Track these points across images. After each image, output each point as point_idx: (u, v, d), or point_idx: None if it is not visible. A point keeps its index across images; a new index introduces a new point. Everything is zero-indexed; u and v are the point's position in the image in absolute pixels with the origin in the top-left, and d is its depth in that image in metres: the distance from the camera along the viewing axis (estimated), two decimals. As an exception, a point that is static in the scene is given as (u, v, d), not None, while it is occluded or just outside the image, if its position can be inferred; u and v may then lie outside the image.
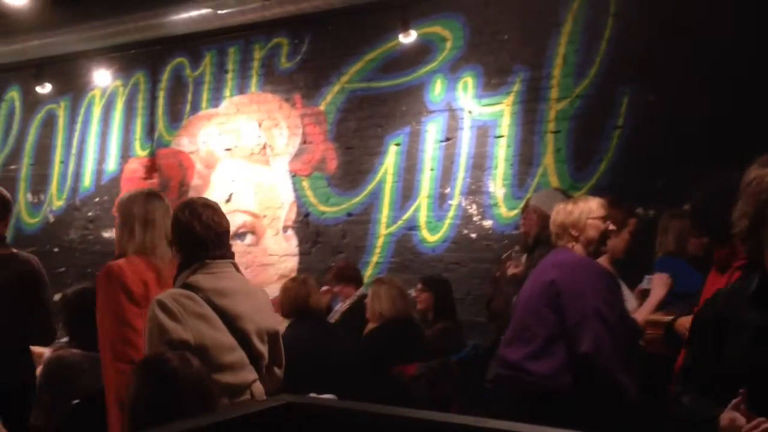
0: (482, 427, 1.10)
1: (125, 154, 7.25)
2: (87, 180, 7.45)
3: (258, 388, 2.50)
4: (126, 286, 2.71)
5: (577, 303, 2.88)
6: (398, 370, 4.14)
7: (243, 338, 2.44)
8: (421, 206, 5.79)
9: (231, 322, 2.41)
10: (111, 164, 7.32)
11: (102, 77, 7.00)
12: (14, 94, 7.87)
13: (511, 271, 4.14)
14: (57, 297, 7.57)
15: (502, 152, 5.48)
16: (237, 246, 6.60)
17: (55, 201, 7.62)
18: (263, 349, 2.53)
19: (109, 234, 7.29)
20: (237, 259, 2.64)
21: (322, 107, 6.26)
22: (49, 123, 7.66)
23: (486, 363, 4.05)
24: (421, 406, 1.32)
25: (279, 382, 2.68)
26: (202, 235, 2.45)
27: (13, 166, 7.86)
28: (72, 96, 7.50)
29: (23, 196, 7.79)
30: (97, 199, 7.39)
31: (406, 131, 5.88)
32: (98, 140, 7.39)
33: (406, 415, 1.26)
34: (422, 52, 5.78)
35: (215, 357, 2.33)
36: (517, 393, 2.96)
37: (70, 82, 7.44)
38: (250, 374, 2.46)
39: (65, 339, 4.19)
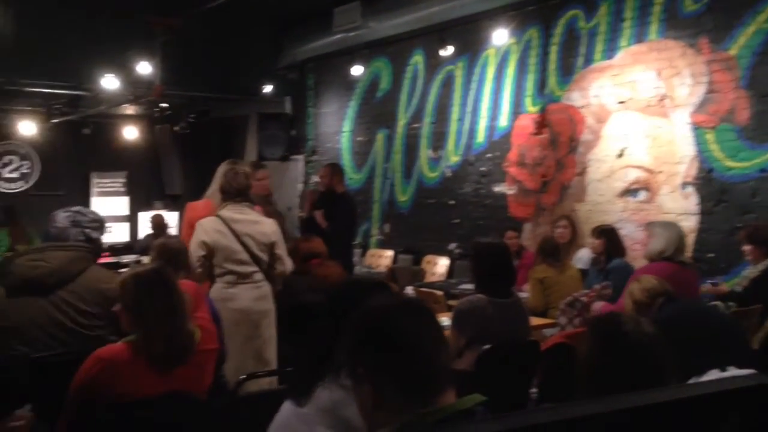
0: None
1: (516, 110, 7.42)
2: (480, 136, 7.81)
3: (258, 275, 4.19)
4: (196, 213, 4.48)
5: None
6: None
7: (246, 246, 4.13)
8: None
9: (238, 236, 4.12)
10: (503, 121, 7.56)
11: (498, 36, 7.20)
12: (418, 58, 8.56)
13: None
14: (452, 246, 8.15)
15: None
16: (628, 203, 6.34)
17: (452, 157, 8.15)
18: (261, 255, 4.19)
19: (500, 188, 7.58)
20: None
21: (733, 52, 5.61)
22: (448, 83, 8.19)
23: None
24: None
25: (281, 273, 4.27)
26: (227, 187, 4.20)
27: (416, 125, 8.60)
28: (469, 56, 7.90)
29: (424, 152, 8.50)
30: (489, 155, 7.72)
31: (843, 73, 4.98)
32: (491, 98, 7.68)
33: None
34: None
35: (228, 255, 4.10)
36: None
37: (468, 43, 7.82)
38: (250, 267, 4.16)
39: (470, 285, 4.48)
